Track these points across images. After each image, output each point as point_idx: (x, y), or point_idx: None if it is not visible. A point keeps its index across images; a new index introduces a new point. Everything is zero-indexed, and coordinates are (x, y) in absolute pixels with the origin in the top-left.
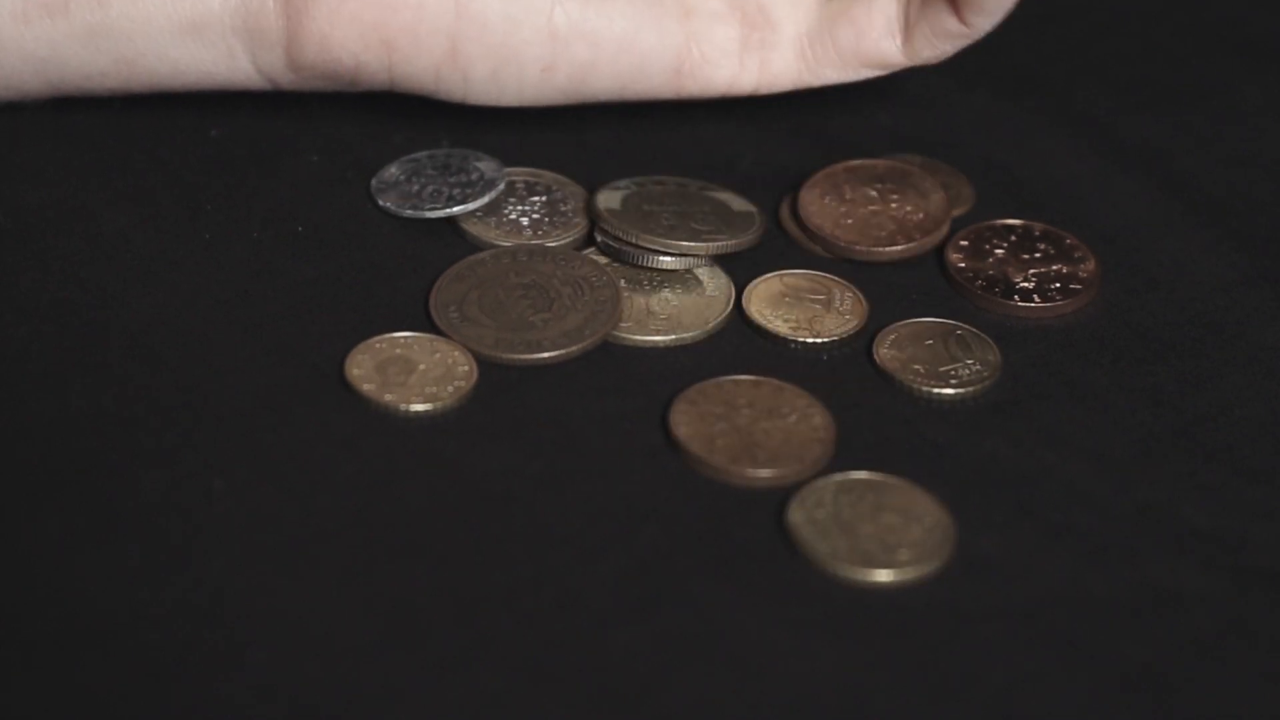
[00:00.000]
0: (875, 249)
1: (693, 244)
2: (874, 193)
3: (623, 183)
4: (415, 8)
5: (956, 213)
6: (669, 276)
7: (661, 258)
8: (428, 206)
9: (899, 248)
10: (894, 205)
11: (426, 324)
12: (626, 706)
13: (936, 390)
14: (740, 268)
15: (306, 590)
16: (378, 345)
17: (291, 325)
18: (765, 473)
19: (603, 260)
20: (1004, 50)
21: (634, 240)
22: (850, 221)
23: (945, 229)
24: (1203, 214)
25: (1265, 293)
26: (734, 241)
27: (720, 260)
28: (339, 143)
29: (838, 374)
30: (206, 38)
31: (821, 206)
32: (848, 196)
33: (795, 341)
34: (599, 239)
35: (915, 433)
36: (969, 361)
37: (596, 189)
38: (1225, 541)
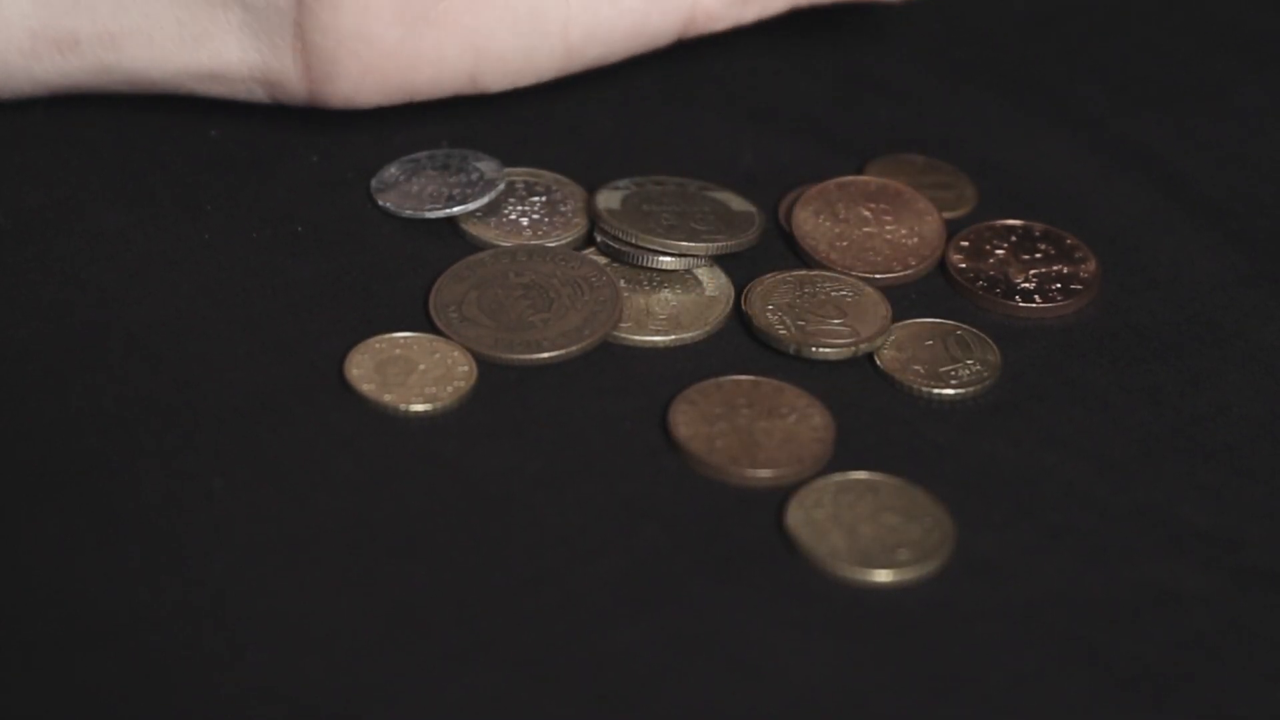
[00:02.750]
0: (870, 275)
1: (692, 244)
2: (867, 213)
3: (622, 183)
4: (436, 63)
5: (959, 213)
6: (669, 276)
7: (661, 258)
8: (427, 207)
9: (894, 275)
10: (888, 228)
11: (426, 324)
12: (626, 706)
13: (936, 390)
14: (740, 268)
15: (306, 590)
16: (377, 345)
17: (291, 325)
18: (765, 473)
19: (602, 260)
20: (1004, 50)
21: (633, 240)
22: (845, 244)
23: (939, 254)
24: (1203, 214)
25: (1265, 293)
26: (733, 242)
27: (720, 260)
28: (339, 143)
29: (837, 374)
30: (225, 81)
31: (816, 226)
32: (841, 216)
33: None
34: (598, 239)
35: (915, 433)
36: (969, 362)
37: (596, 189)
38: (1225, 541)
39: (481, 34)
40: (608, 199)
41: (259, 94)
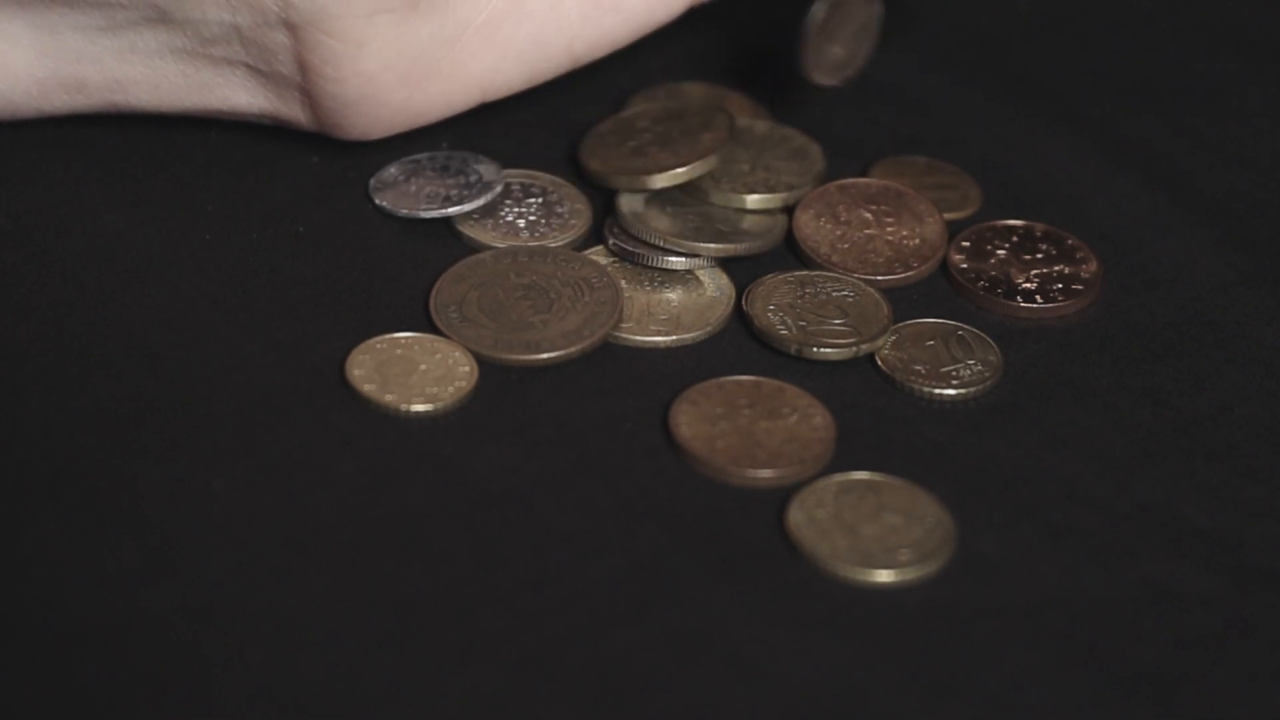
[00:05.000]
0: (871, 276)
1: (718, 245)
2: (869, 215)
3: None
4: (445, 107)
5: (963, 214)
6: (670, 277)
7: (670, 258)
8: (423, 207)
9: (896, 276)
10: (890, 230)
11: (427, 324)
12: (626, 706)
13: (938, 391)
14: (742, 269)
15: (305, 590)
16: (378, 345)
17: (291, 325)
18: (766, 473)
19: (604, 261)
20: (1004, 50)
21: (655, 242)
22: (846, 246)
23: (941, 255)
24: (1203, 214)
25: (1265, 293)
26: (759, 243)
27: (721, 261)
28: (339, 143)
29: (838, 374)
30: (235, 116)
31: (817, 228)
32: (843, 219)
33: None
34: (611, 239)
35: (916, 433)
36: (970, 362)
37: (618, 194)
38: (1225, 541)
39: (487, 73)
40: (630, 201)
41: (268, 123)
